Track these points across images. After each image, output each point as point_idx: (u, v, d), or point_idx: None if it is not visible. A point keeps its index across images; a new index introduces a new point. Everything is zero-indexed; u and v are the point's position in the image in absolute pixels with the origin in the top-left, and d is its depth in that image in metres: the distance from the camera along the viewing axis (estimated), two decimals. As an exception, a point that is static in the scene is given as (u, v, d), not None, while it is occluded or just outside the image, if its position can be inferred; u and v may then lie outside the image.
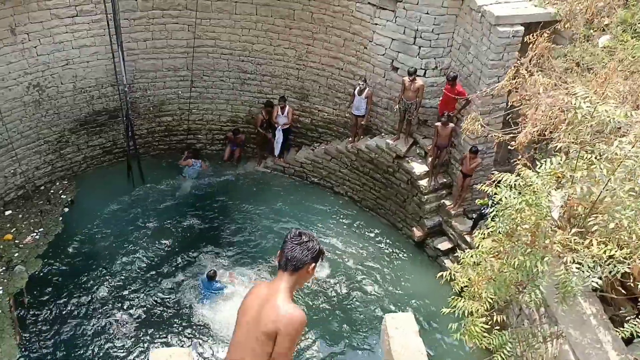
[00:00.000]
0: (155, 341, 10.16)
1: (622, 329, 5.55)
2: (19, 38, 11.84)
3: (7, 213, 12.68)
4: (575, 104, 5.62)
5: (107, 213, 13.06)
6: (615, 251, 5.27)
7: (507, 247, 6.24)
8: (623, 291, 6.26)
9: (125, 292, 11.23)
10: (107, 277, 11.48)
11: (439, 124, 11.79)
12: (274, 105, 13.94)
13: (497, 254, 6.58)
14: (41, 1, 11.92)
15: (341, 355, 10.34)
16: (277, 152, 14.49)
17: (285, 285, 3.41)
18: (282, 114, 13.93)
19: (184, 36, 13.72)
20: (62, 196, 13.47)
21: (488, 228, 6.54)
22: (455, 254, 10.08)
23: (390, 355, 5.24)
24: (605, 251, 5.30)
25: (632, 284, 5.90)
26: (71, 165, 13.99)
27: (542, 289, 5.65)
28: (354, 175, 13.83)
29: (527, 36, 9.77)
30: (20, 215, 12.72)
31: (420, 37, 12.04)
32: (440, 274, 6.92)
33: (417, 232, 12.74)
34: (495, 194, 6.33)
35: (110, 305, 10.96)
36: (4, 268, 11.39)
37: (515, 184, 6.05)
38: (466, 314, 6.28)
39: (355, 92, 13.01)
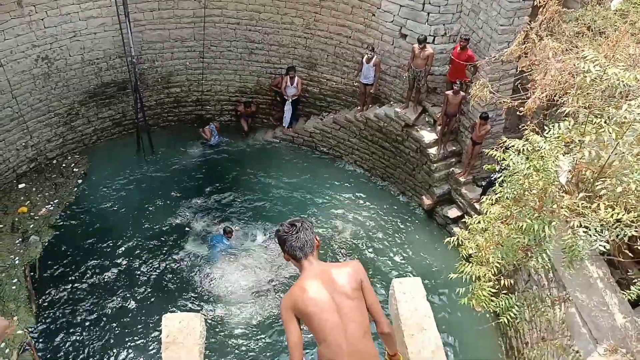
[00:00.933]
0: (168, 307, 10.35)
1: (628, 291, 5.57)
2: (26, 10, 11.81)
3: (20, 186, 12.84)
4: (584, 68, 5.56)
5: (118, 184, 13.19)
6: (623, 215, 5.27)
7: (515, 212, 6.25)
8: (630, 254, 6.27)
9: (137, 260, 11.41)
10: (120, 246, 11.64)
11: (449, 92, 11.70)
12: (296, 71, 13.92)
13: (504, 219, 6.60)
14: (47, -28, 11.87)
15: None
16: (286, 123, 14.49)
17: (319, 262, 3.73)
18: (292, 84, 13.89)
19: (191, 6, 13.63)
20: (74, 169, 13.60)
21: (496, 194, 6.55)
22: (465, 222, 10.09)
23: (398, 320, 5.30)
24: (612, 215, 5.30)
25: (639, 247, 5.91)
26: (82, 138, 14.08)
27: (549, 253, 5.68)
28: (363, 144, 13.82)
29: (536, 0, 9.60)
30: (34, 189, 12.89)
31: (429, 3, 11.87)
32: (447, 239, 6.96)
33: (427, 201, 12.76)
34: (503, 159, 6.33)
35: (122, 273, 11.14)
36: (20, 239, 11.59)
37: (523, 149, 6.04)
38: (474, 279, 6.33)
39: (363, 60, 12.91)
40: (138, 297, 10.73)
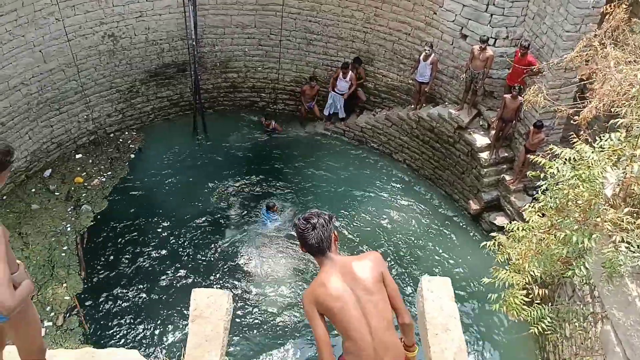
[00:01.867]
0: (203, 282, 10.64)
1: (668, 314, 5.34)
2: (96, -12, 12.28)
3: (77, 156, 13.38)
4: (641, 78, 5.34)
5: (171, 162, 13.56)
6: (669, 233, 5.05)
7: (557, 222, 6.09)
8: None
9: (181, 237, 11.73)
10: (166, 222, 11.99)
11: (508, 96, 11.42)
12: (362, 62, 13.93)
13: (547, 229, 6.44)
14: (119, -48, 12.29)
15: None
16: (341, 112, 14.51)
17: (338, 256, 3.67)
18: (344, 78, 13.87)
19: (254, -7, 13.82)
20: (130, 145, 14.06)
21: (539, 202, 6.39)
22: (504, 228, 9.89)
23: (423, 317, 5.26)
24: (657, 232, 5.09)
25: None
26: (140, 115, 14.54)
27: (588, 266, 5.50)
28: (414, 143, 13.70)
29: (605, 6, 9.25)
30: (90, 161, 13.40)
31: (494, 4, 11.61)
32: (485, 242, 6.84)
33: (474, 205, 12.54)
34: (550, 167, 6.16)
35: (165, 248, 11.49)
36: (72, 207, 12.09)
37: (570, 159, 5.86)
38: (507, 286, 6.21)
39: (421, 57, 12.77)
40: (178, 271, 11.04)
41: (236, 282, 10.87)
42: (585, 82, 8.83)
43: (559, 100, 10.59)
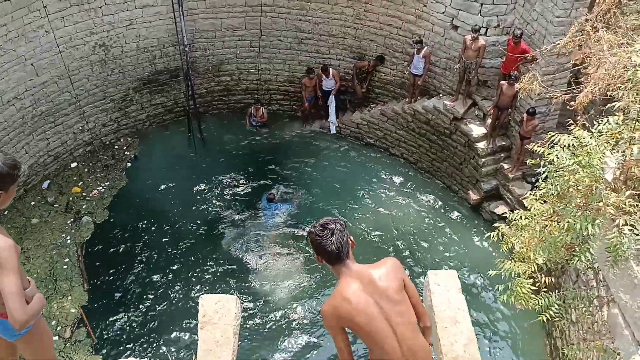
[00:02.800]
0: (209, 288, 10.63)
1: (675, 295, 5.36)
2: (85, -2, 12.24)
3: (72, 165, 13.34)
4: (635, 62, 5.34)
5: (168, 168, 13.54)
6: (672, 214, 5.06)
7: (559, 208, 6.10)
8: (680, 256, 6.01)
9: (183, 242, 11.73)
10: (166, 229, 11.99)
11: (504, 82, 11.41)
12: (384, 60, 13.80)
13: (549, 215, 6.45)
14: (106, -38, 12.25)
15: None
16: (332, 127, 14.56)
17: (356, 264, 3.51)
18: (328, 77, 13.93)
19: (243, -5, 13.80)
20: (125, 152, 14.04)
21: (540, 189, 6.40)
22: (506, 217, 9.91)
23: (431, 311, 5.26)
24: (660, 214, 5.10)
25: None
26: (135, 123, 14.52)
27: (593, 251, 5.51)
28: (410, 136, 13.70)
29: (595, -10, 9.26)
30: (86, 169, 13.37)
31: (483, -7, 11.63)
32: (488, 234, 6.85)
33: (473, 196, 12.55)
34: (549, 154, 6.17)
35: (168, 255, 11.48)
36: (72, 219, 12.07)
37: (569, 145, 5.87)
38: (513, 276, 6.22)
39: (414, 51, 12.78)
40: (182, 278, 11.04)
41: (241, 286, 10.86)
42: (579, 66, 8.83)
43: (553, 86, 10.59)
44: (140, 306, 10.57)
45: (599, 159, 5.39)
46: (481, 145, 12.24)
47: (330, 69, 14.06)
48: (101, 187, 12.89)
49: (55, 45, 12.08)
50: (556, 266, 6.62)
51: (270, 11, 14.08)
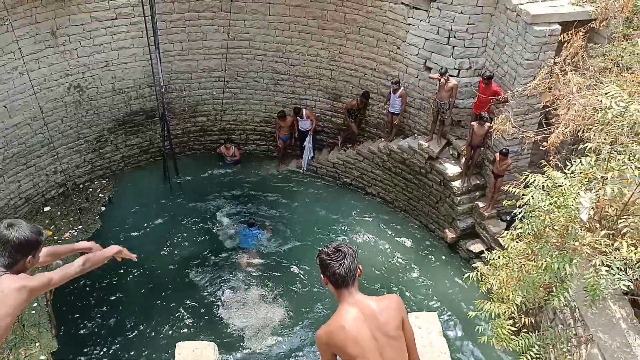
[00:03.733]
0: (185, 334, 10.36)
1: (653, 333, 5.40)
2: (60, 40, 12.24)
3: (46, 209, 13.10)
4: (606, 104, 5.51)
5: (143, 211, 13.36)
6: (646, 254, 5.14)
7: (536, 248, 6.15)
8: (655, 295, 6.09)
9: (158, 287, 11.48)
10: (140, 273, 11.74)
11: (475, 123, 11.66)
12: (370, 96, 13.72)
13: (526, 255, 6.50)
14: (82, 4, 12.29)
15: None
16: (304, 162, 14.68)
17: (359, 293, 3.48)
18: (302, 118, 14.07)
19: (219, 37, 13.95)
20: (100, 195, 13.84)
21: (516, 229, 6.46)
22: (484, 256, 9.97)
23: (412, 355, 5.22)
24: (635, 253, 5.18)
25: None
26: (110, 164, 14.37)
27: (571, 292, 5.55)
28: (386, 176, 13.80)
29: (562, 35, 9.58)
30: (59, 213, 13.13)
31: (454, 36, 11.94)
32: (467, 274, 6.86)
33: (450, 234, 12.62)
34: (524, 195, 6.25)
35: (142, 299, 11.21)
36: (43, 263, 11.75)
37: (544, 185, 5.96)
38: (493, 317, 6.21)
39: (391, 90, 13.00)
40: (156, 324, 10.76)
41: (219, 332, 10.61)
42: (550, 108, 9.06)
43: (524, 126, 10.83)
44: (112, 354, 10.24)
45: (574, 199, 5.48)
46: (456, 184, 12.37)
47: (304, 110, 14.18)
48: (74, 231, 12.63)
49: (29, 86, 12.00)
50: (534, 305, 6.63)
51: (247, 52, 14.25)
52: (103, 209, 13.43)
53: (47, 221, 12.80)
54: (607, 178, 5.69)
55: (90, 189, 13.91)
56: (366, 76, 13.80)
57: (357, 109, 13.92)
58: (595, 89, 8.00)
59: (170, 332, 10.60)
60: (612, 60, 9.71)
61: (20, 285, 3.33)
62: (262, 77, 14.63)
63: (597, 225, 5.98)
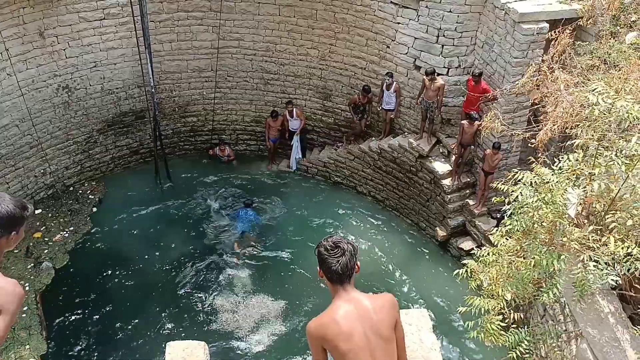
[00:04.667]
0: (176, 335, 10.33)
1: (640, 327, 5.45)
2: (48, 41, 12.17)
3: (37, 212, 13.02)
4: (592, 101, 5.55)
5: (134, 212, 13.31)
6: (633, 248, 5.18)
7: (525, 245, 6.19)
8: (643, 290, 6.15)
9: (148, 288, 11.44)
10: (131, 274, 11.70)
11: (465, 122, 11.70)
12: (371, 91, 13.36)
13: (515, 252, 6.53)
14: (69, 5, 12.23)
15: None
16: (293, 163, 14.65)
17: (355, 290, 3.45)
18: (292, 117, 14.06)
19: (208, 37, 13.93)
20: (90, 196, 13.78)
21: (505, 226, 6.49)
22: (474, 253, 10.01)
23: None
24: (622, 248, 5.22)
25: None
26: (99, 166, 14.30)
27: (560, 287, 5.58)
28: (377, 174, 13.82)
29: (550, 33, 9.64)
30: (49, 215, 13.06)
31: (443, 35, 11.98)
32: (456, 271, 6.89)
33: (441, 232, 12.66)
34: (513, 191, 6.29)
35: (132, 300, 11.17)
36: (32, 265, 11.70)
37: (532, 182, 6.00)
38: (482, 312, 6.24)
39: (383, 87, 12.99)
40: (146, 324, 10.72)
41: (209, 331, 10.59)
42: (538, 105, 9.12)
43: (513, 124, 10.89)
44: (103, 355, 10.19)
45: (562, 196, 5.52)
46: (447, 182, 12.41)
47: (295, 108, 14.17)
48: (65, 232, 12.56)
49: (17, 87, 11.92)
50: (524, 301, 6.67)
51: (236, 52, 14.24)
52: (94, 209, 13.36)
53: (38, 223, 12.72)
54: (595, 174, 5.73)
55: (81, 191, 13.84)
56: (356, 75, 13.81)
57: (360, 104, 13.63)
58: (582, 86, 8.05)
59: (161, 332, 10.57)
60: (599, 57, 9.79)
61: None
62: (252, 76, 14.62)
63: (585, 221, 6.02)
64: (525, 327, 6.50)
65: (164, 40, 13.69)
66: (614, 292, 6.11)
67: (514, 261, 6.37)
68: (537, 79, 8.77)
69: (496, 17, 11.16)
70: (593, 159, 5.81)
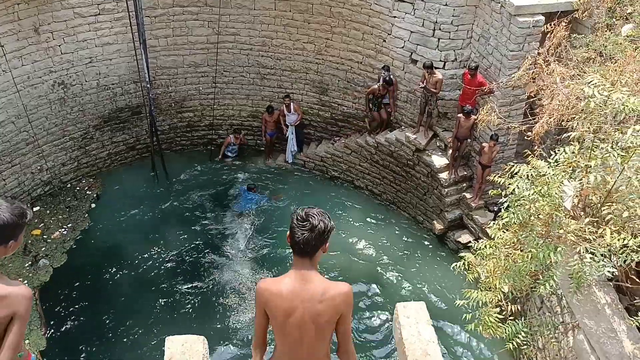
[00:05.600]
0: (175, 330, 10.34)
1: (636, 318, 5.48)
2: (43, 37, 12.12)
3: (35, 209, 13.01)
4: (588, 93, 5.57)
5: (131, 208, 13.29)
6: (629, 240, 5.21)
7: (522, 237, 6.22)
8: (638, 280, 6.18)
9: (147, 284, 11.44)
10: (130, 270, 11.70)
11: (461, 115, 11.72)
12: (392, 83, 12.92)
13: (512, 244, 6.56)
14: (64, 0, 12.18)
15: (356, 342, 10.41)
16: (289, 156, 14.64)
17: (314, 270, 3.37)
18: (289, 112, 14.05)
19: (204, 32, 13.90)
20: (87, 192, 13.77)
21: (502, 219, 6.52)
22: (471, 246, 10.05)
23: (401, 344, 5.25)
24: (619, 240, 5.25)
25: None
26: (96, 162, 14.28)
27: (556, 279, 5.62)
28: (374, 168, 13.84)
29: (545, 25, 9.64)
30: (47, 212, 13.04)
31: (439, 29, 11.96)
32: (454, 264, 6.92)
33: (438, 226, 12.69)
34: (509, 184, 6.32)
35: (131, 296, 11.17)
36: (30, 262, 11.69)
37: (529, 175, 6.03)
38: (480, 305, 6.28)
39: (381, 81, 12.99)
40: (145, 320, 10.72)
41: (208, 326, 10.61)
42: (534, 98, 9.13)
43: (510, 117, 10.91)
44: (102, 351, 10.20)
45: (558, 188, 5.54)
46: (444, 175, 12.44)
47: (292, 103, 14.16)
48: (63, 229, 12.56)
49: (12, 84, 11.89)
50: (521, 293, 6.71)
51: (232, 47, 14.21)
52: (92, 206, 13.36)
53: (36, 220, 12.70)
54: (591, 166, 5.76)
55: (78, 187, 13.83)
56: (352, 69, 13.80)
57: (379, 95, 13.20)
58: (578, 78, 8.07)
59: (159, 327, 10.58)
60: (595, 50, 9.79)
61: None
62: (248, 71, 14.60)
63: (581, 213, 6.05)
64: (523, 319, 6.54)
65: (160, 35, 13.65)
66: (611, 283, 6.15)
67: (511, 254, 6.40)
68: (533, 72, 8.79)
69: (492, 10, 11.16)
70: (589, 151, 5.83)
